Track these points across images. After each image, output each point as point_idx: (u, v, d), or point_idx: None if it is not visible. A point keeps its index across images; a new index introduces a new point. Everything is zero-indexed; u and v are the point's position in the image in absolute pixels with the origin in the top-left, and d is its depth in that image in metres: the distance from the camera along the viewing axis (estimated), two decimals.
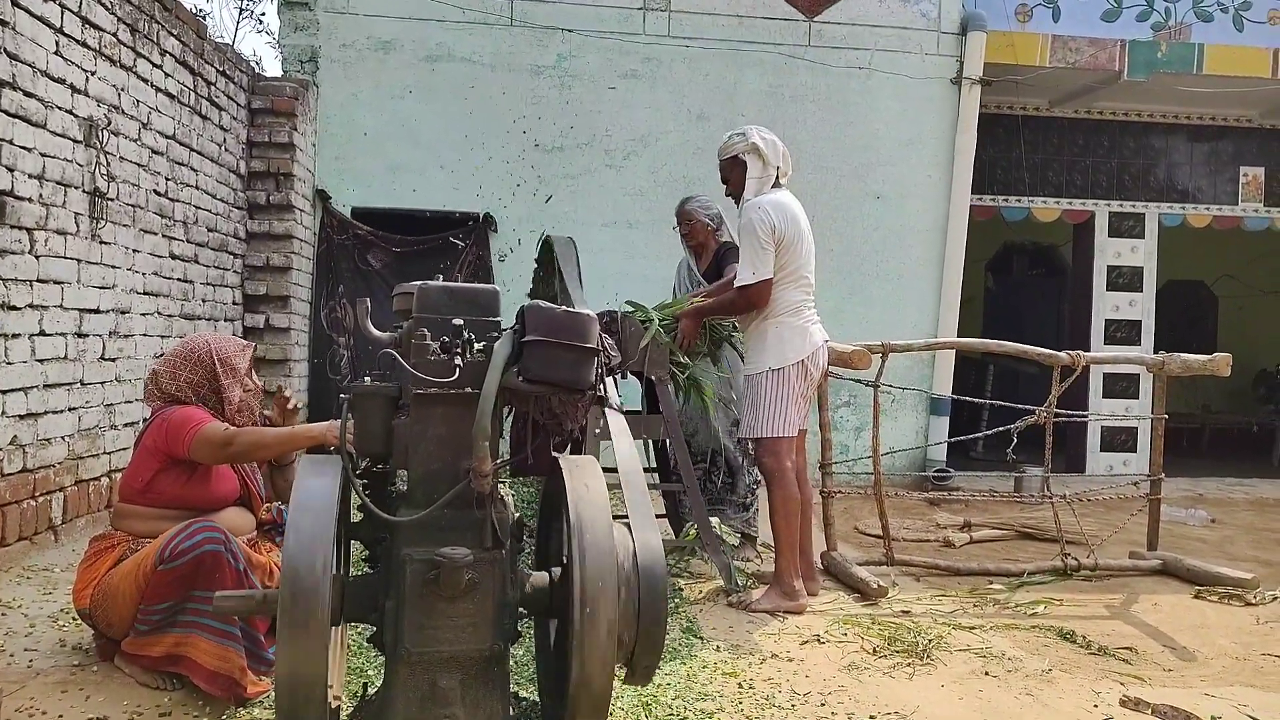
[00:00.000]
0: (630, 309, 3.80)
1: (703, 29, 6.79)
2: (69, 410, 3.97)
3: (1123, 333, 8.00)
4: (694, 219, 4.37)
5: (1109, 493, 5.04)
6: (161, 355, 3.00)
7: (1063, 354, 4.35)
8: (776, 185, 3.61)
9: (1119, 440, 7.98)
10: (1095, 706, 2.70)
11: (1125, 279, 8.02)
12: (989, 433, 5.07)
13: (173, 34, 4.82)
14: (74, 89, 3.93)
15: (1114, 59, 7.05)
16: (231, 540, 2.43)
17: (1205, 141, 8.12)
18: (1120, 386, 7.94)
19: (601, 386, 2.09)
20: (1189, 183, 8.13)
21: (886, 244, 7.01)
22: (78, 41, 3.94)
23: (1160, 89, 7.37)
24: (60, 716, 2.30)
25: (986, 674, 2.93)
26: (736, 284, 3.57)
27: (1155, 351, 4.71)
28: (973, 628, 3.39)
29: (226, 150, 5.63)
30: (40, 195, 3.71)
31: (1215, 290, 11.22)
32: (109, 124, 4.17)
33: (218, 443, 2.54)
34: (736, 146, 3.63)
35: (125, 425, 4.43)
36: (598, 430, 3.23)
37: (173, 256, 4.92)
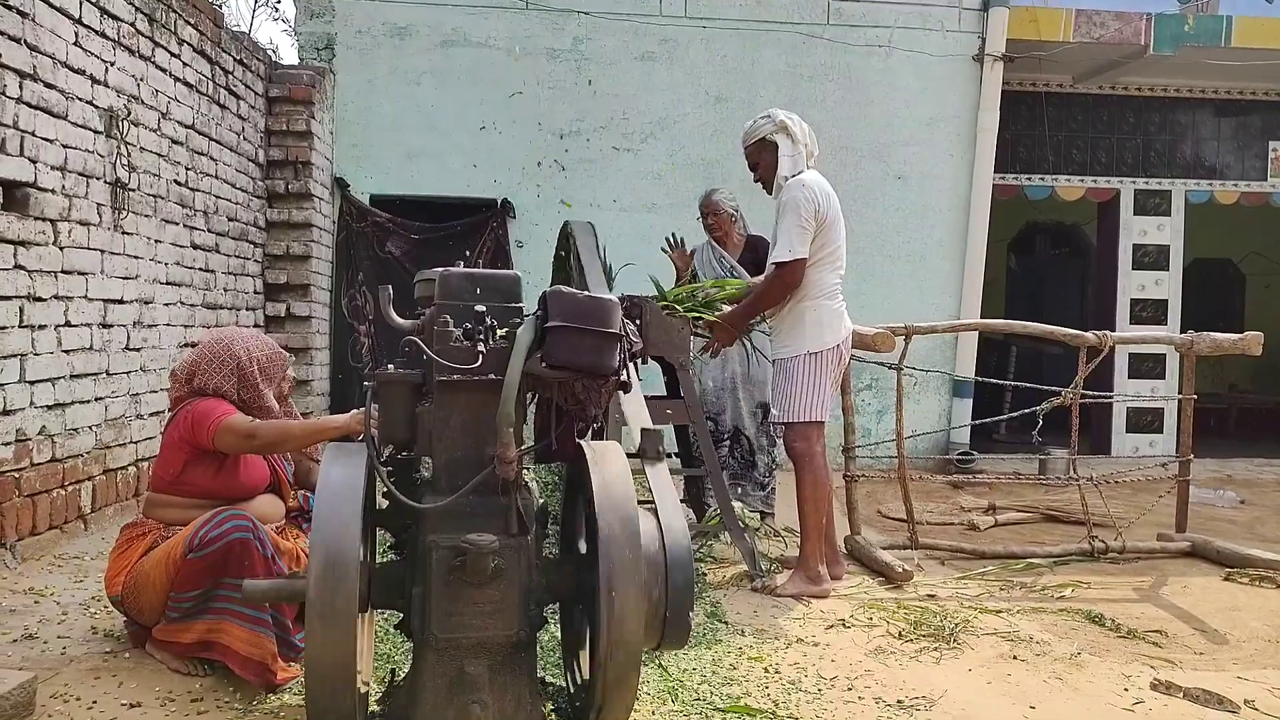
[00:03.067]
0: (656, 295, 3.80)
1: (719, 9, 6.72)
2: (96, 400, 4.00)
3: (1149, 312, 7.89)
4: (720, 209, 4.55)
5: (1136, 474, 4.99)
6: (191, 349, 2.94)
7: (1089, 334, 4.29)
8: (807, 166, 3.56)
9: (1145, 421, 7.89)
10: (1125, 690, 2.67)
11: (1151, 257, 7.90)
12: (1013, 415, 5.02)
13: (190, 23, 4.82)
14: (94, 80, 3.94)
15: (1140, 33, 6.92)
16: (259, 527, 2.45)
17: (1233, 116, 7.97)
18: (1146, 367, 7.85)
19: (624, 372, 2.07)
20: (1216, 159, 7.98)
21: (908, 224, 6.95)
22: (96, 32, 3.95)
23: (1187, 63, 7.23)
24: (94, 702, 2.33)
25: (1014, 658, 2.91)
26: (772, 260, 3.52)
27: (1182, 331, 4.64)
28: (999, 611, 3.37)
29: (245, 139, 5.64)
30: (63, 186, 3.73)
31: (1243, 268, 11.04)
32: (129, 114, 4.19)
33: (242, 434, 2.55)
34: (764, 128, 3.57)
35: (151, 415, 4.47)
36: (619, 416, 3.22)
37: (194, 246, 4.95)
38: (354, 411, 2.62)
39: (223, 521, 2.40)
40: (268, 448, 2.65)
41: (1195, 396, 4.48)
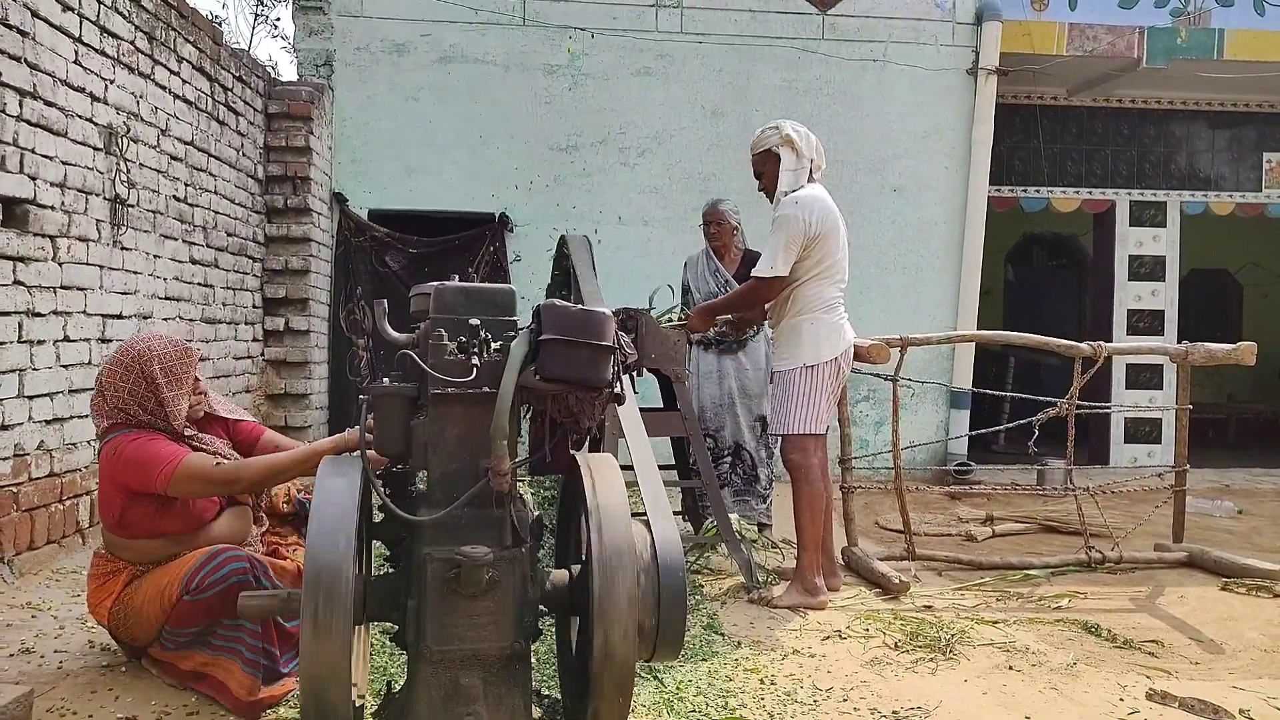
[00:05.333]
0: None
1: (715, 24, 6.78)
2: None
3: (1145, 323, 7.92)
4: (724, 220, 4.59)
5: (1133, 485, 5.00)
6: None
7: (1084, 345, 4.31)
8: (810, 179, 3.58)
9: (1143, 432, 7.90)
10: (1121, 700, 2.68)
11: (1147, 268, 7.94)
12: (1010, 426, 5.04)
13: (189, 41, 4.86)
14: (94, 97, 3.97)
15: (1133, 46, 6.97)
16: (256, 565, 2.39)
17: (1227, 128, 8.02)
18: (1144, 377, 7.86)
19: (618, 384, 2.09)
20: (1211, 170, 8.03)
21: (904, 237, 6.98)
22: (96, 50, 3.99)
23: (1180, 76, 7.29)
24: (90, 716, 2.33)
25: (1010, 668, 2.91)
26: (754, 273, 3.57)
27: (1179, 341, 4.66)
28: (996, 622, 3.37)
29: (244, 155, 5.67)
30: (62, 203, 3.75)
31: (1240, 278, 11.08)
32: (128, 131, 4.22)
33: (217, 480, 2.39)
34: (769, 140, 3.58)
35: None
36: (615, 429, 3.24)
37: (193, 261, 4.97)
38: (345, 431, 2.60)
39: (221, 565, 2.36)
40: (255, 486, 2.50)
41: (1191, 407, 4.50)
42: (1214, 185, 8.01)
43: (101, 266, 4.05)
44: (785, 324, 3.60)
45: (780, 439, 3.70)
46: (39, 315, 3.61)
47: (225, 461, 2.47)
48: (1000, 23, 6.83)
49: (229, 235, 5.46)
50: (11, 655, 2.72)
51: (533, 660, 2.20)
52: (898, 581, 3.70)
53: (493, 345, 2.02)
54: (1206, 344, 4.37)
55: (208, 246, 5.16)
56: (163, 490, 2.38)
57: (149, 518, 2.45)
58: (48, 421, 3.68)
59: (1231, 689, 2.78)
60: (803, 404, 3.51)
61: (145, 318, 4.44)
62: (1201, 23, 7.11)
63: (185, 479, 2.38)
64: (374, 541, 2.20)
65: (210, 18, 5.26)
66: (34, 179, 3.56)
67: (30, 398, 3.57)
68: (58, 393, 3.74)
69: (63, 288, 3.77)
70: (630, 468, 2.37)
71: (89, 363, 3.97)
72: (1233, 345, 4.33)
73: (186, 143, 4.85)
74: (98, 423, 2.51)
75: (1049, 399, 4.41)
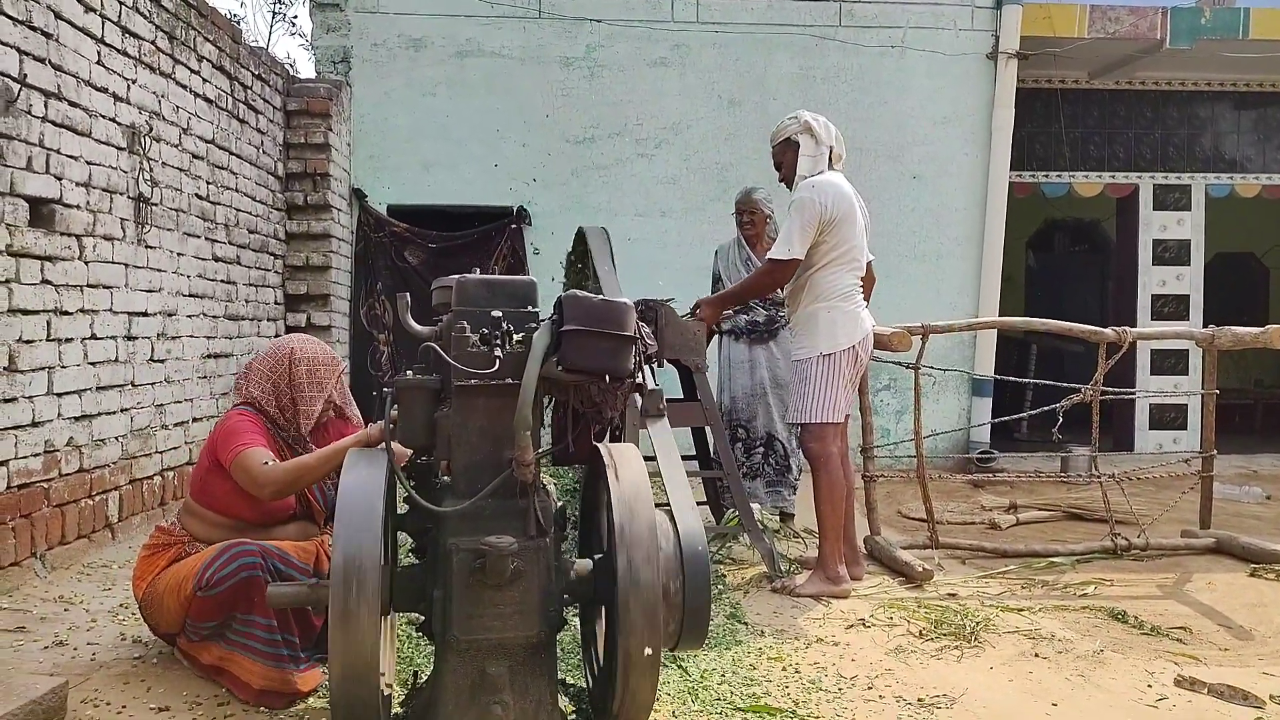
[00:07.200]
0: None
1: (731, 13, 6.74)
2: (121, 411, 4.07)
3: (1170, 308, 7.82)
4: (758, 209, 4.61)
5: (1159, 471, 4.95)
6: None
7: (1108, 330, 4.27)
8: (830, 168, 3.58)
9: (1168, 417, 7.81)
10: (1149, 687, 2.66)
11: (1172, 253, 7.83)
12: (1033, 412, 5.00)
13: (209, 40, 4.90)
14: (116, 97, 4.01)
15: (1155, 27, 6.87)
16: (268, 558, 2.39)
17: (1253, 109, 7.88)
18: (1169, 363, 7.77)
19: (640, 374, 2.09)
20: (1237, 152, 7.90)
21: (924, 224, 6.93)
22: (118, 50, 4.03)
23: (1205, 56, 7.17)
24: (124, 707, 2.37)
25: (1036, 655, 2.90)
26: (769, 256, 3.58)
27: (1204, 326, 4.60)
28: (1021, 610, 3.35)
29: (264, 152, 5.71)
30: (87, 202, 3.80)
31: (1266, 261, 10.90)
32: (151, 130, 4.26)
33: (254, 480, 2.45)
34: (789, 128, 3.61)
35: (175, 425, 4.54)
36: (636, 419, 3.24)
37: (216, 258, 5.02)
38: (370, 427, 2.61)
39: (231, 559, 2.36)
40: (286, 490, 2.51)
41: (1218, 392, 4.44)
42: (1239, 167, 7.89)
43: (126, 265, 4.10)
44: (802, 312, 3.60)
45: (799, 428, 3.69)
46: (66, 314, 3.66)
47: (273, 462, 2.50)
48: (1020, 6, 6.75)
49: (250, 232, 5.50)
50: (45, 648, 2.77)
51: (557, 649, 2.21)
52: (921, 570, 3.69)
53: (515, 337, 2.03)
54: (1233, 328, 4.31)
55: (230, 244, 5.20)
56: (226, 466, 2.50)
57: (228, 494, 2.54)
58: (76, 418, 3.73)
59: (1261, 675, 2.76)
60: (820, 392, 3.51)
61: (170, 315, 4.49)
62: (1226, 2, 7.00)
63: (239, 466, 2.48)
64: (399, 533, 2.22)
65: (229, 16, 5.29)
66: (60, 179, 3.61)
67: (59, 395, 3.62)
68: (86, 390, 3.80)
69: (89, 286, 3.82)
70: (653, 458, 2.37)
71: (115, 360, 4.02)
72: (1260, 329, 4.27)
73: (208, 141, 4.89)
74: (234, 398, 2.68)
75: (1072, 385, 4.37)
